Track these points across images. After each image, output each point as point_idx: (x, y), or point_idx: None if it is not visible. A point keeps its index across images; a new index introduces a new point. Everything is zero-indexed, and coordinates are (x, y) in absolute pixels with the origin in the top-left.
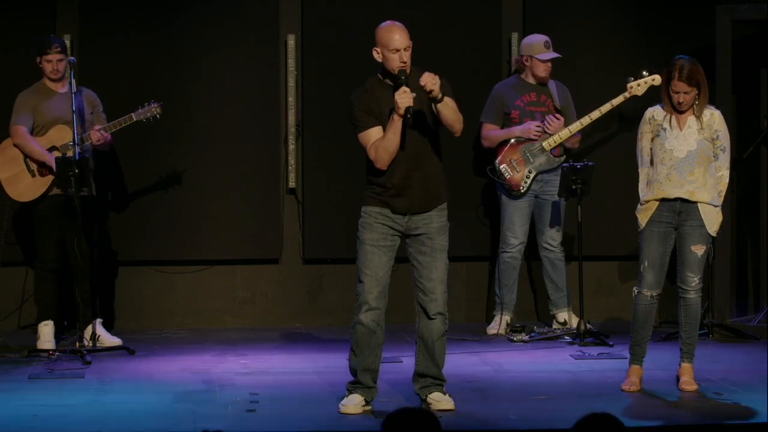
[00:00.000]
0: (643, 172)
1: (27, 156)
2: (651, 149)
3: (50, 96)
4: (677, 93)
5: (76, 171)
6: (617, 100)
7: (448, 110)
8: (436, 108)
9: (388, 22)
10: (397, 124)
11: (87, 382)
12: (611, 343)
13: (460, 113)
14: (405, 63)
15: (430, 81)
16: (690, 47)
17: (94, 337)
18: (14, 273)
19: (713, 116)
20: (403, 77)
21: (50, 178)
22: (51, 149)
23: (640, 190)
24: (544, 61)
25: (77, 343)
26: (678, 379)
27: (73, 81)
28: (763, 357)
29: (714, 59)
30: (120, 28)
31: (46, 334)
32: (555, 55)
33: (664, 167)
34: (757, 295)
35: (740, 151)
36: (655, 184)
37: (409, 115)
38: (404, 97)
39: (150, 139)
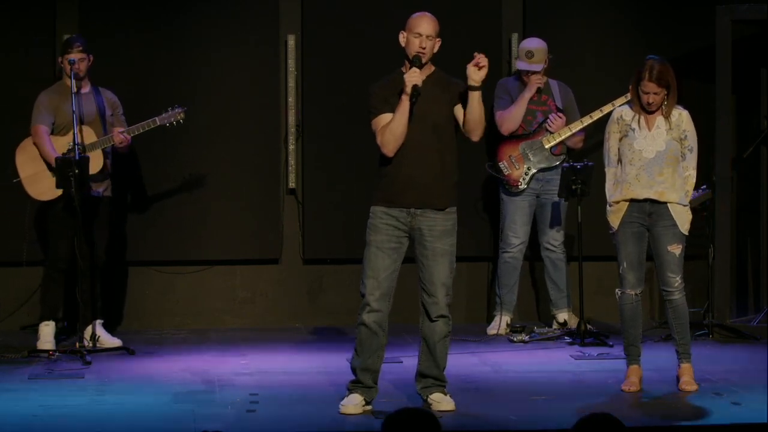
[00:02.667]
0: (610, 172)
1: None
2: (618, 149)
3: (71, 95)
4: (647, 93)
5: (76, 171)
6: (619, 101)
7: (478, 106)
8: (468, 97)
9: (422, 11)
10: (404, 104)
11: (87, 382)
12: (611, 343)
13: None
14: (423, 50)
15: (483, 59)
16: (690, 47)
17: (94, 337)
18: (14, 273)
19: (681, 116)
20: (417, 62)
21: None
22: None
23: (606, 190)
24: (520, 70)
25: (77, 344)
26: (678, 379)
27: (74, 81)
28: (763, 357)
29: (714, 59)
30: (120, 28)
31: (47, 334)
32: (527, 67)
33: (633, 168)
34: (757, 295)
35: (740, 151)
36: (624, 185)
37: (416, 93)
38: (412, 76)
39: (150, 139)
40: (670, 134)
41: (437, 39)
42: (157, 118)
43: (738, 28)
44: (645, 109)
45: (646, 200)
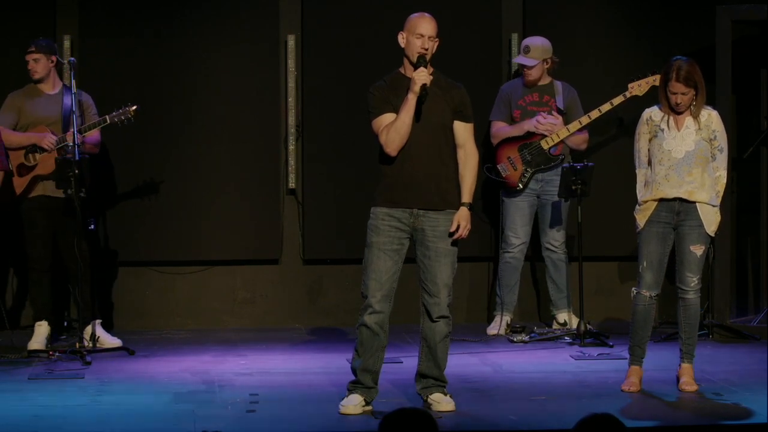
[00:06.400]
0: (641, 173)
1: (16, 149)
2: (648, 150)
3: (37, 96)
4: (675, 94)
5: (76, 171)
6: (617, 100)
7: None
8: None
9: (422, 12)
10: (411, 102)
11: (87, 382)
12: (611, 343)
13: (473, 136)
14: (426, 50)
15: (464, 231)
16: (690, 47)
17: (93, 338)
18: (13, 273)
19: (711, 116)
20: (423, 62)
21: (27, 179)
22: (28, 149)
23: (637, 191)
24: (518, 64)
25: (77, 344)
26: (678, 379)
27: (74, 82)
28: (763, 357)
29: (714, 59)
30: (120, 29)
31: (38, 334)
32: (521, 60)
33: (663, 168)
34: (757, 295)
35: (740, 151)
36: (654, 185)
37: (424, 93)
38: (421, 75)
39: (150, 139)
40: (699, 134)
41: (437, 39)
42: (107, 116)
43: (738, 28)
44: (673, 110)
45: (675, 199)
